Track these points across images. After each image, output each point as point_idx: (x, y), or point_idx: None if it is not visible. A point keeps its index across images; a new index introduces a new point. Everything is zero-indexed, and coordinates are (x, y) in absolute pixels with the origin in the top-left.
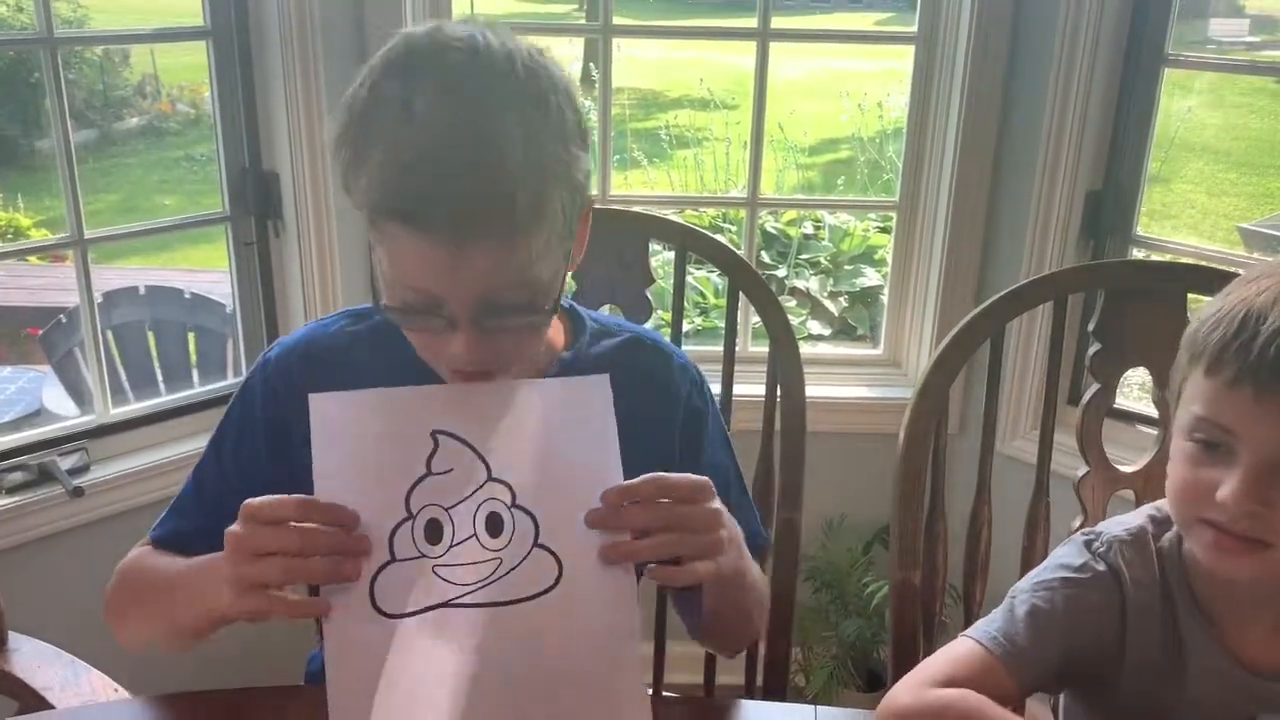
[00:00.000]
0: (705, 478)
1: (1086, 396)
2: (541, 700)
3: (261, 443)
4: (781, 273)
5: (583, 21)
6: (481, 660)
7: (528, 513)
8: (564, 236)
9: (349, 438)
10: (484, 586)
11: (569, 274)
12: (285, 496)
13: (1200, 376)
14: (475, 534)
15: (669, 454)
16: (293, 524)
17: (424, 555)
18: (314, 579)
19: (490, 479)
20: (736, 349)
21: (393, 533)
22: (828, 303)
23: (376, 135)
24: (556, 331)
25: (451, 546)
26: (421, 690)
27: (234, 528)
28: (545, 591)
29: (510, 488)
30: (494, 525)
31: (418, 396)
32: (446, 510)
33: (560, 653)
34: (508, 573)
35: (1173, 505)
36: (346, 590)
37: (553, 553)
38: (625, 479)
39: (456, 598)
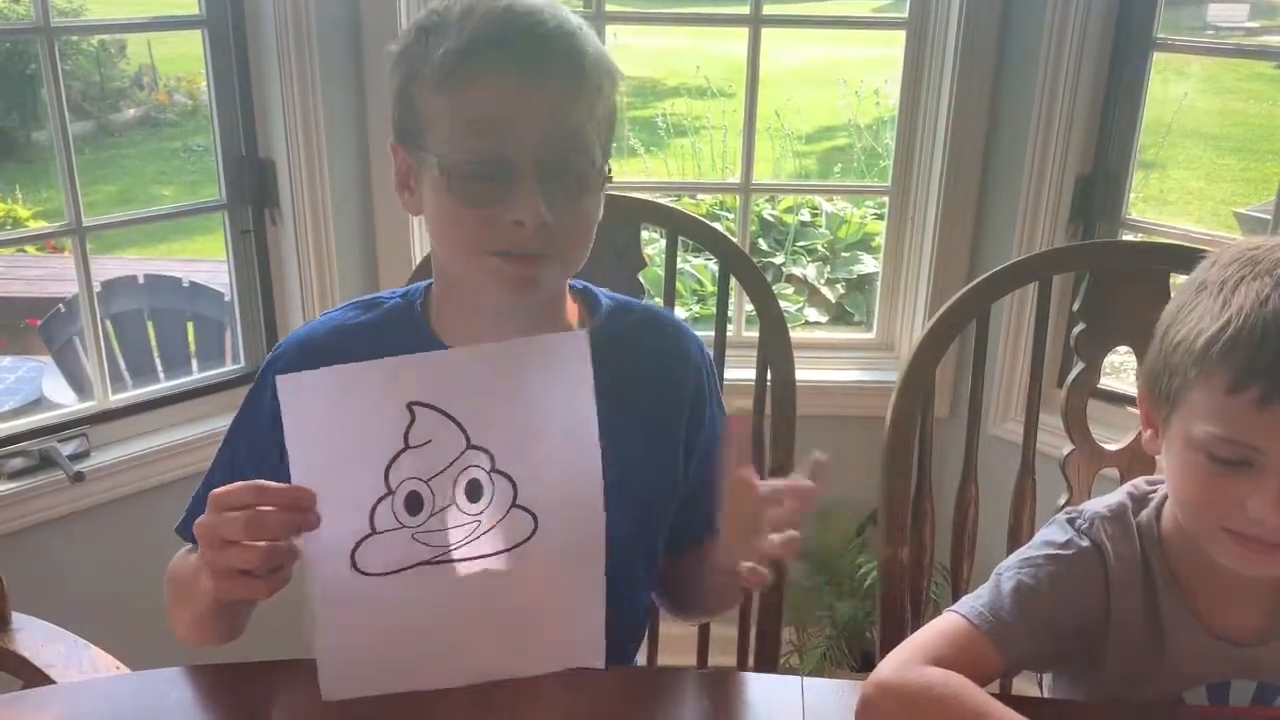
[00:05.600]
0: (813, 485)
1: (1071, 376)
2: (510, 639)
3: (269, 440)
4: (779, 260)
5: (579, 8)
6: (458, 605)
7: (507, 476)
8: (607, 137)
9: (322, 417)
10: (462, 546)
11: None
12: (243, 484)
13: (1219, 394)
14: (455, 502)
15: (676, 429)
16: (253, 509)
17: (404, 526)
18: (279, 560)
19: (469, 446)
20: (730, 334)
21: (373, 508)
22: (825, 289)
23: (449, 16)
24: (572, 309)
25: (431, 515)
26: (403, 644)
27: (202, 518)
28: (521, 544)
29: (489, 454)
30: (474, 491)
31: (391, 368)
32: (426, 482)
33: (530, 597)
34: (486, 531)
35: (1189, 517)
36: (328, 559)
37: (529, 511)
38: (630, 446)
39: (434, 557)
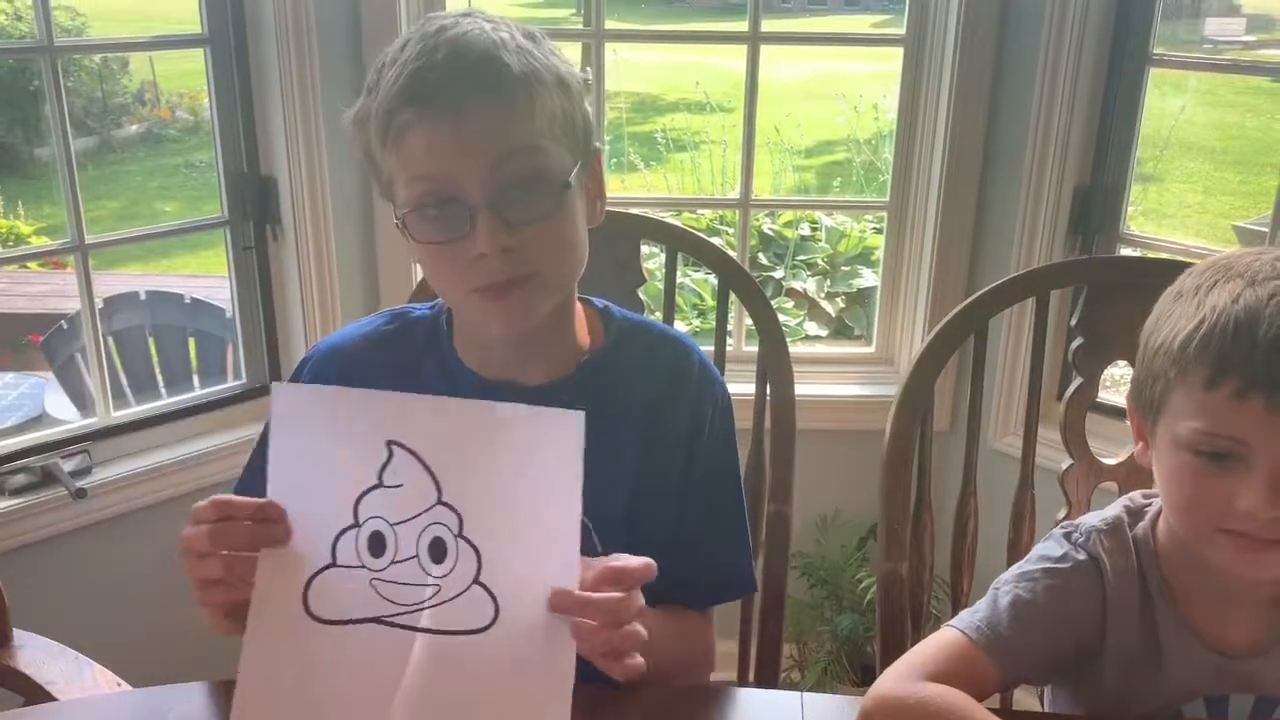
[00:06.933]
0: (650, 562)
1: (1070, 390)
2: None
3: None
4: (779, 274)
5: (579, 27)
6: (403, 683)
7: (472, 545)
8: (571, 138)
9: (306, 434)
10: (419, 610)
11: (591, 223)
12: (212, 499)
13: (1198, 391)
14: (417, 556)
15: (669, 460)
16: (219, 521)
17: (364, 566)
18: (244, 571)
19: (440, 502)
20: (730, 348)
21: (337, 537)
22: (825, 303)
23: (381, 73)
24: (583, 329)
25: (393, 563)
26: (332, 702)
27: (184, 530)
28: (479, 630)
29: (459, 515)
30: (437, 551)
31: (380, 401)
32: (392, 526)
33: (484, 696)
34: (444, 602)
35: (1183, 520)
36: (279, 586)
37: (491, 594)
38: (619, 472)
39: (389, 615)
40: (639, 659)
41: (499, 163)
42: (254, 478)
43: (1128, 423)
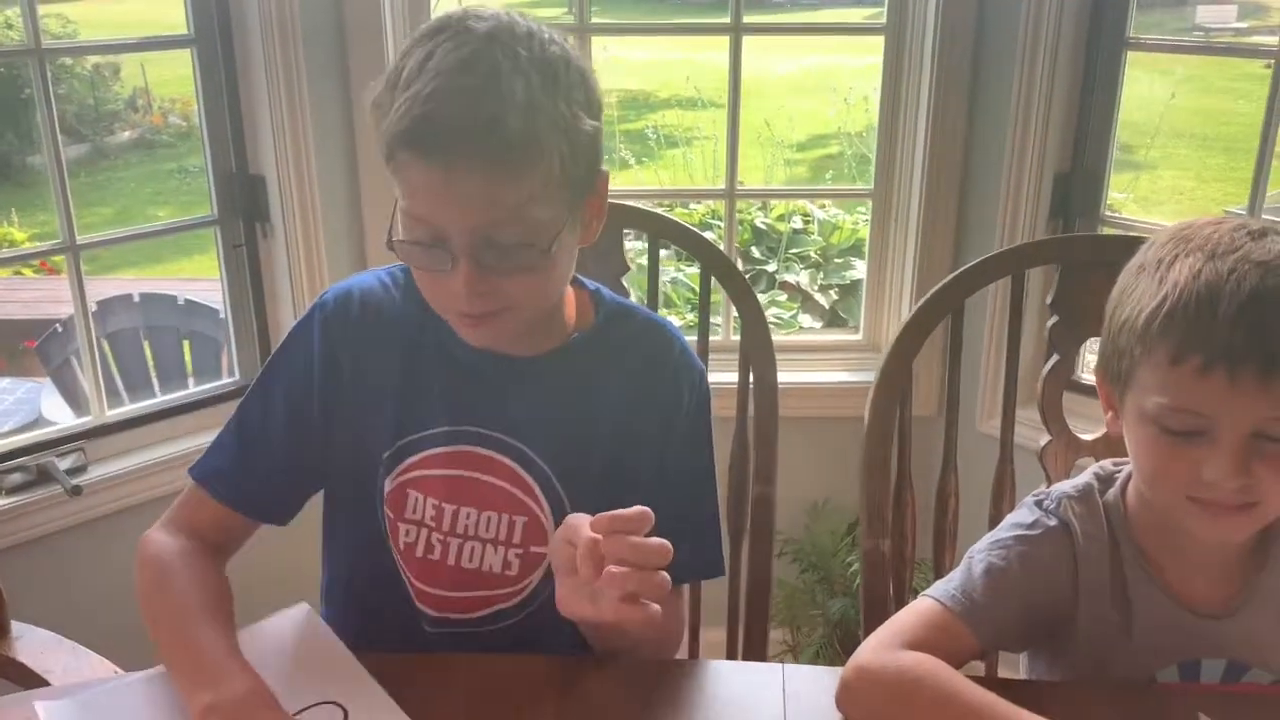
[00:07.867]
0: (645, 510)
1: (1046, 367)
2: None
3: (315, 379)
4: (771, 267)
5: (570, 22)
6: None
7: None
8: (566, 189)
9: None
10: None
11: (583, 244)
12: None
13: (1163, 367)
14: None
15: (644, 442)
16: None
17: None
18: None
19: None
20: (719, 338)
21: None
22: (818, 296)
23: (400, 86)
24: (572, 308)
25: None
26: None
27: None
28: None
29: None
30: None
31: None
32: None
33: None
34: None
35: (1152, 488)
36: None
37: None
38: (599, 450)
39: None
40: (655, 606)
41: (486, 226)
42: (268, 389)
43: None
